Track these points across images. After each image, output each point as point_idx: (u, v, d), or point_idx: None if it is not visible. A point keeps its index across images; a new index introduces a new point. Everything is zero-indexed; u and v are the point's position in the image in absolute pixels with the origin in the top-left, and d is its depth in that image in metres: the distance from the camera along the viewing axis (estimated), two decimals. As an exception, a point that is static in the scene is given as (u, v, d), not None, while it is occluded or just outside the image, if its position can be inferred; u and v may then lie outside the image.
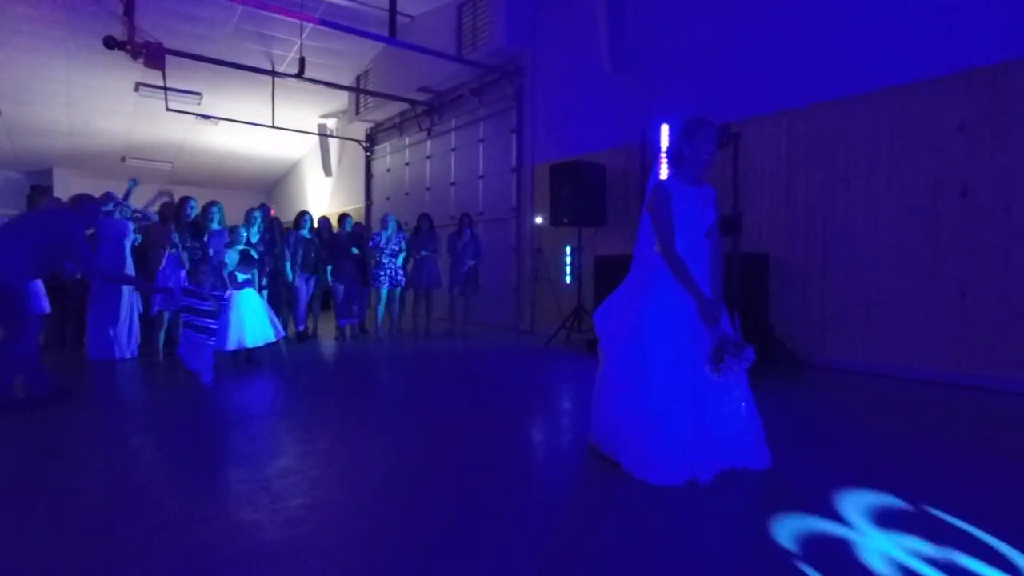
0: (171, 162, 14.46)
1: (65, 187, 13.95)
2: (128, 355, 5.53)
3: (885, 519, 2.06)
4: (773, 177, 5.52)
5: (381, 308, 7.33)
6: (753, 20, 5.64)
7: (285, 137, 12.80)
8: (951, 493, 2.31)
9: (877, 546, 1.86)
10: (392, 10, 7.28)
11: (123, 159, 13.85)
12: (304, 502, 2.23)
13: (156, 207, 6.08)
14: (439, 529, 2.02)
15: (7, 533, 2.00)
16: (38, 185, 14.02)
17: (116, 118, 11.91)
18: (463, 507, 2.22)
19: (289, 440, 3.14)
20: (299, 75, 8.79)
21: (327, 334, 7.54)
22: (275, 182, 16.85)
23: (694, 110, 5.65)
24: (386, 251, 7.20)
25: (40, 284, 5.91)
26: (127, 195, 5.81)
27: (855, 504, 2.19)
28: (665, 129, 5.58)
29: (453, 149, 9.90)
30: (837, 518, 2.07)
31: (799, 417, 3.58)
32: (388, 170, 11.82)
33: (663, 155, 5.58)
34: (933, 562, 1.76)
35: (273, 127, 10.88)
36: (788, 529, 2.00)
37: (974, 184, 4.35)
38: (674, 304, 2.52)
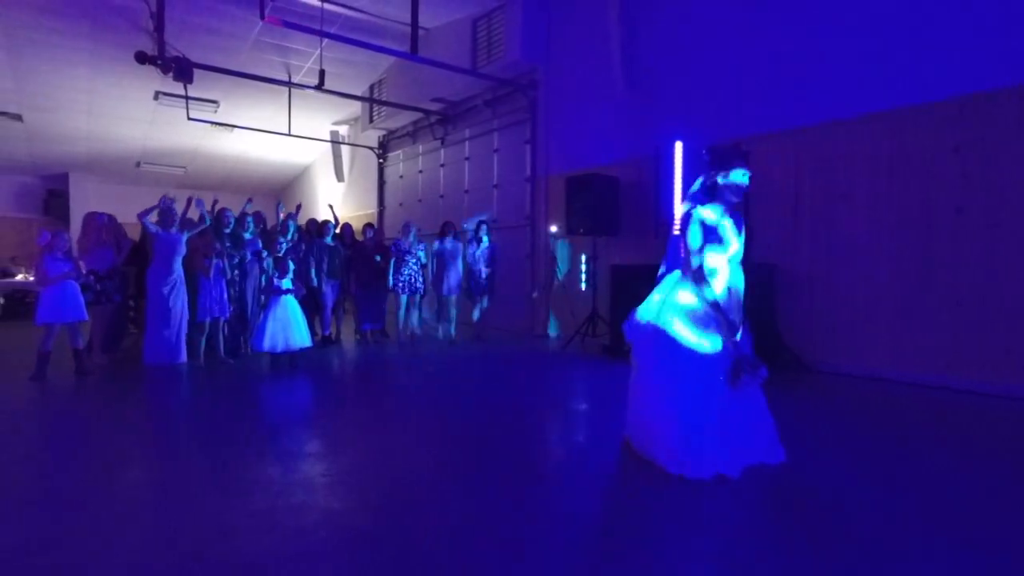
0: (184, 167, 14.74)
1: (81, 192, 14.25)
2: (179, 360, 5.80)
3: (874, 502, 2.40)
4: (780, 192, 5.85)
5: (401, 313, 7.63)
6: (762, 41, 5.98)
7: (297, 142, 13.10)
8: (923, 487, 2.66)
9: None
10: (414, 26, 7.59)
11: (138, 164, 14.15)
12: (362, 497, 2.55)
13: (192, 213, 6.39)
14: (495, 514, 2.35)
15: None
16: (55, 190, 14.28)
17: (134, 125, 12.20)
18: (511, 497, 2.54)
19: (340, 439, 3.45)
20: (319, 87, 9.10)
21: (348, 338, 7.85)
22: (286, 186, 17.14)
23: (705, 127, 6.05)
24: (408, 258, 7.47)
25: (78, 289, 6.16)
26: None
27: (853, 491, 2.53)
28: (679, 146, 5.91)
29: (467, 158, 10.21)
30: (840, 504, 2.41)
31: (807, 417, 3.91)
32: (401, 177, 12.13)
33: (676, 171, 5.91)
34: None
35: (289, 135, 11.20)
36: (801, 512, 2.33)
37: (967, 201, 4.70)
38: (701, 320, 2.85)
